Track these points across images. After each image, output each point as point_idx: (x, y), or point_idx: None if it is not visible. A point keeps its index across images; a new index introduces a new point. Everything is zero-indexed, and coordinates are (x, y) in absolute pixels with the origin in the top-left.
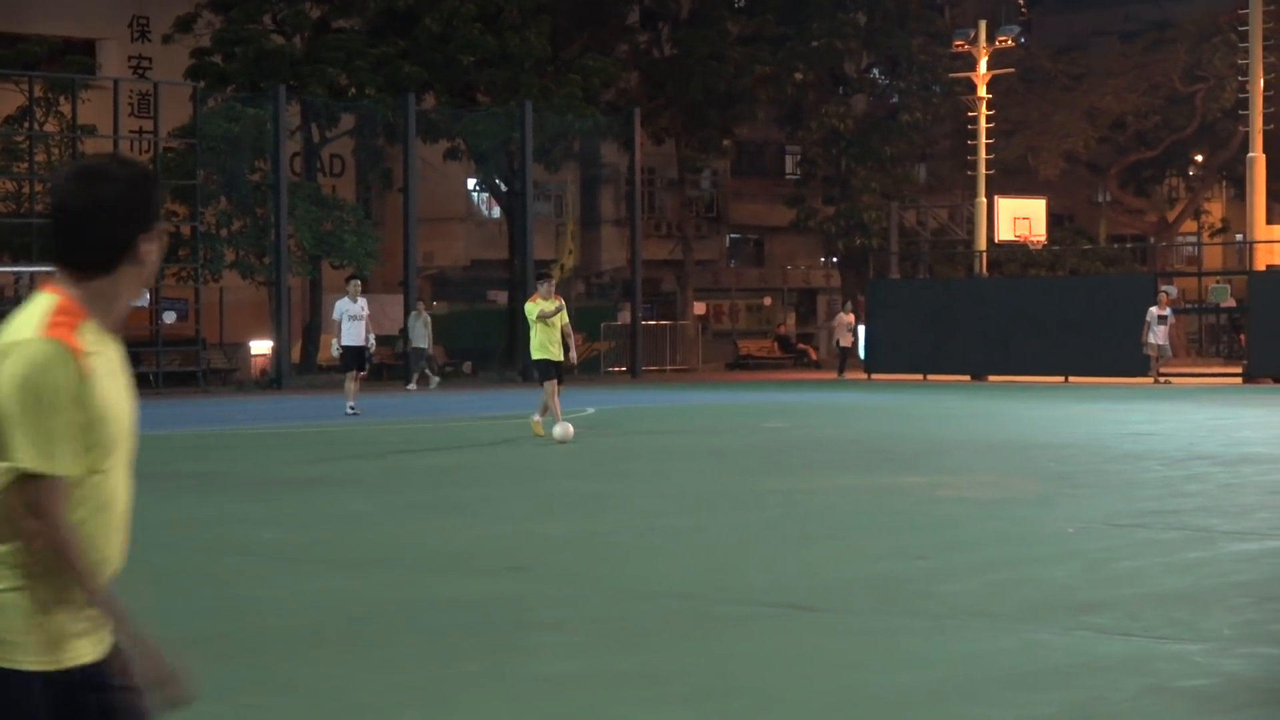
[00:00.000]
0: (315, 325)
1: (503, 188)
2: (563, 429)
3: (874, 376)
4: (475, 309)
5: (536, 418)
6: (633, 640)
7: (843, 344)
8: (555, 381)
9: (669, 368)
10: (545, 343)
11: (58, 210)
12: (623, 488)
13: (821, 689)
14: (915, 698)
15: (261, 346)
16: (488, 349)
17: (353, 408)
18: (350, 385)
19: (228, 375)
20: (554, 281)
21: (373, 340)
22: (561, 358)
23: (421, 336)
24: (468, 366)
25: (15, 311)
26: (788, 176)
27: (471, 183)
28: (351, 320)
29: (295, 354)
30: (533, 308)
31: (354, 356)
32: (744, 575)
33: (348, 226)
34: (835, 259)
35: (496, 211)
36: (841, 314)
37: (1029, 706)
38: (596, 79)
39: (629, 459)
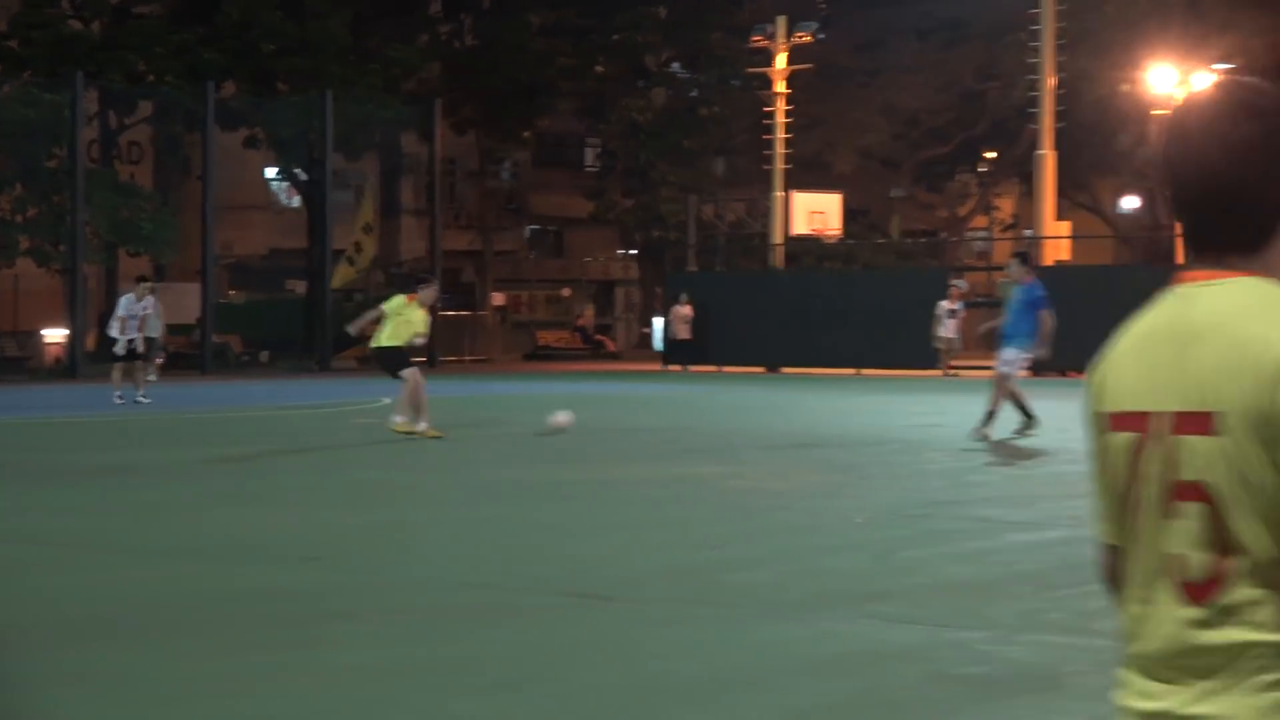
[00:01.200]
0: (111, 314)
1: (302, 177)
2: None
3: (671, 367)
4: (274, 298)
5: (419, 425)
6: (429, 630)
7: (680, 336)
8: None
9: (468, 358)
10: (404, 334)
11: (1201, 166)
12: (421, 478)
13: (617, 677)
14: (706, 685)
15: (56, 334)
16: (286, 339)
17: (120, 397)
18: (116, 375)
19: (21, 364)
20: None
21: (140, 338)
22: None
23: (155, 326)
24: (265, 356)
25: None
26: (588, 169)
27: (271, 171)
28: (133, 319)
29: (90, 342)
30: (402, 306)
31: (134, 350)
32: (540, 565)
33: (145, 214)
34: (634, 251)
35: (296, 200)
36: (678, 306)
37: (816, 694)
38: (398, 69)
39: (427, 449)
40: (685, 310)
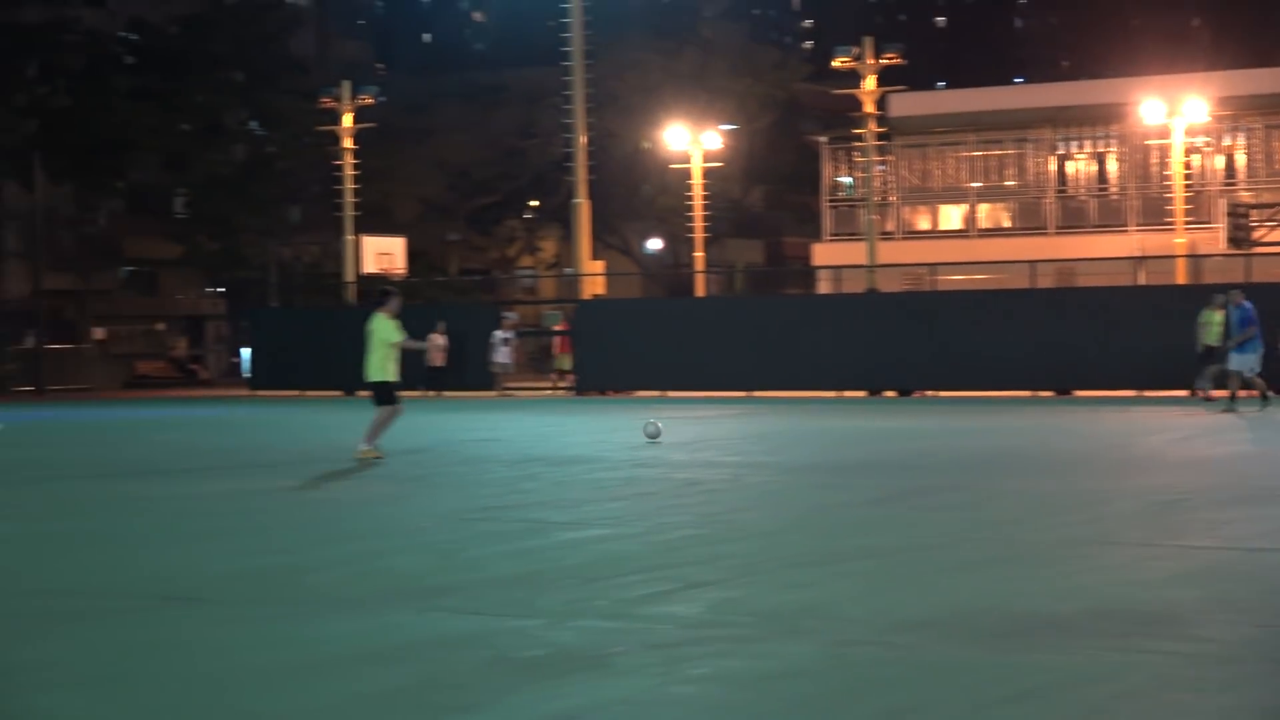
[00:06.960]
0: None
1: None
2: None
3: (259, 392)
4: None
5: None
6: (22, 634)
7: (435, 364)
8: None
9: (72, 386)
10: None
11: None
12: (11, 495)
13: (199, 670)
14: (282, 675)
15: None
16: None
17: None
18: None
19: None
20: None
21: None
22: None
23: None
24: None
25: None
26: (177, 215)
27: None
28: None
29: None
30: (387, 326)
31: None
32: (127, 573)
33: None
34: (222, 289)
35: None
36: (434, 334)
37: (383, 679)
38: None
39: (25, 468)
40: (440, 339)
